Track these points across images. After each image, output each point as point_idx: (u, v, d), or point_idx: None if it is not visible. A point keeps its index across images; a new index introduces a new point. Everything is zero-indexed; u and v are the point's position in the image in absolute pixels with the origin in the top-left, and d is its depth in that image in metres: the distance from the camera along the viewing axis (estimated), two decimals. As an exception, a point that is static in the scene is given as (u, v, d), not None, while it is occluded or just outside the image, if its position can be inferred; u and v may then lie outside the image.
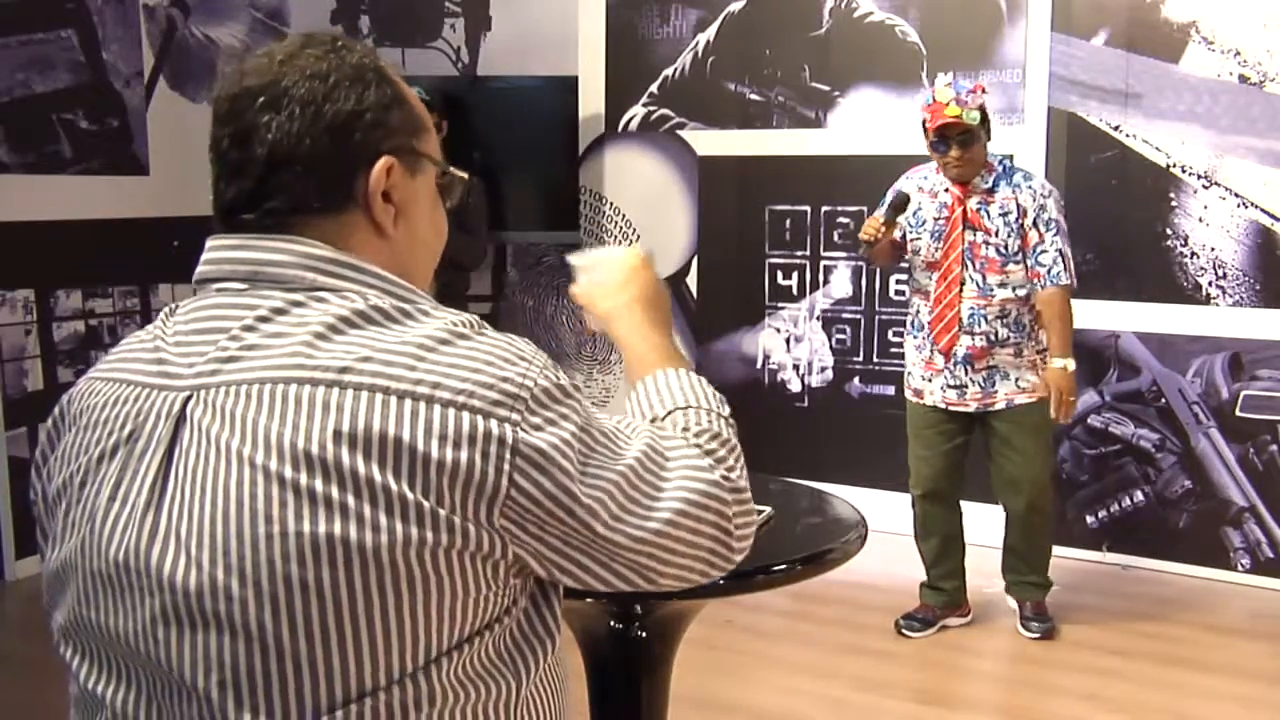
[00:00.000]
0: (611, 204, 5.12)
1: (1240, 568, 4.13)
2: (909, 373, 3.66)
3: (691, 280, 5.03)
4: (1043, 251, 3.39)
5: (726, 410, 1.21)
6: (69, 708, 1.07)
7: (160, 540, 0.95)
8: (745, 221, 4.89)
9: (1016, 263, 3.43)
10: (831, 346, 4.79)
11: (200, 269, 1.06)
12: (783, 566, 1.55)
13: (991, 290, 3.44)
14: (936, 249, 3.48)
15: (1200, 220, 4.09)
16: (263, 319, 0.98)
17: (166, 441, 0.97)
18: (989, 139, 3.43)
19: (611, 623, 1.66)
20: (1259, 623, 3.82)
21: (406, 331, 0.97)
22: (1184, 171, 4.10)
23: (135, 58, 4.60)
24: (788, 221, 4.82)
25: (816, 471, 4.16)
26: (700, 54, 4.89)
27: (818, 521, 1.82)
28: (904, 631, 3.67)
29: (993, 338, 3.45)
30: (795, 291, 4.84)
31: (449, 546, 0.93)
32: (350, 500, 0.91)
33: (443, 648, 0.95)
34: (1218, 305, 4.09)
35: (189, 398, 0.97)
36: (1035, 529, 3.64)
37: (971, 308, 3.46)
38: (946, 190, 3.47)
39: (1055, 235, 3.39)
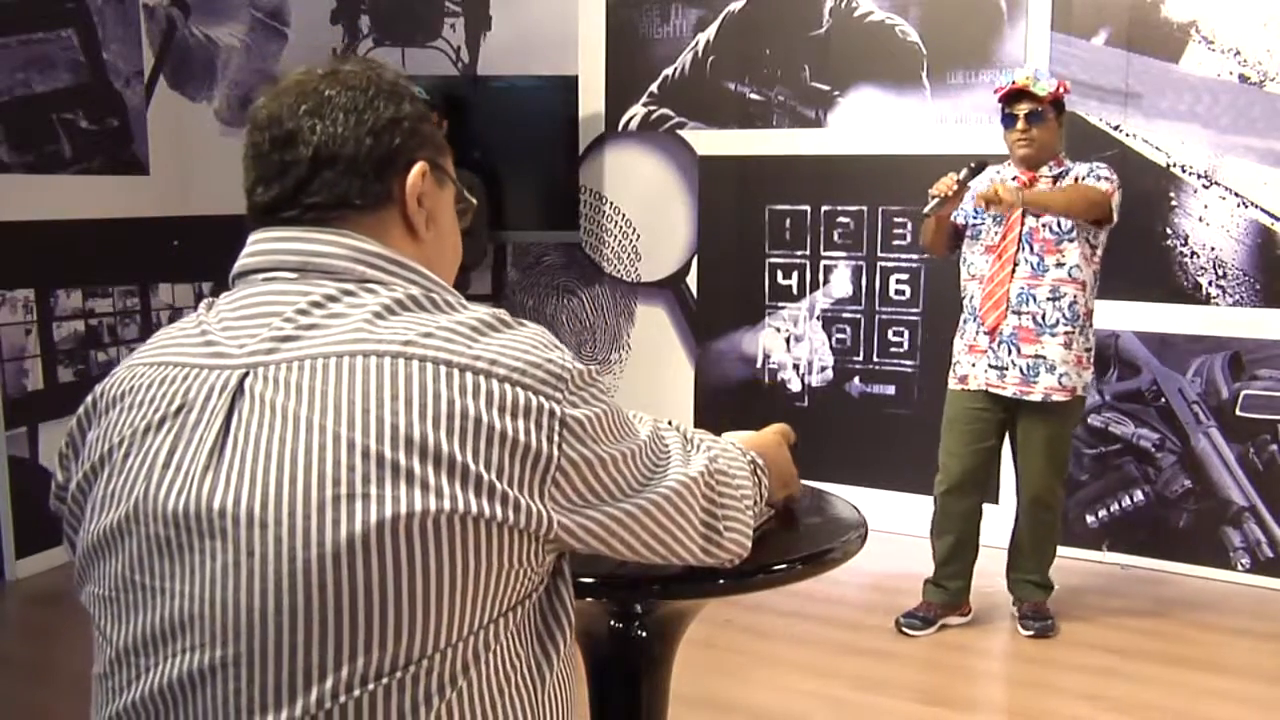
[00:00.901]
0: (611, 204, 5.12)
1: (1240, 567, 4.13)
2: (955, 361, 3.66)
3: (691, 280, 5.03)
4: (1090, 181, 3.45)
5: (753, 458, 1.38)
6: (94, 681, 1.06)
7: (220, 496, 0.97)
8: (745, 221, 4.89)
9: (1070, 240, 3.45)
10: (831, 346, 4.79)
11: (244, 261, 1.09)
12: (783, 566, 1.55)
13: (1046, 269, 3.46)
14: (996, 233, 3.52)
15: (1200, 220, 4.09)
16: (317, 304, 1.03)
17: (223, 413, 0.99)
18: (1060, 128, 3.52)
19: (611, 623, 1.65)
20: (1259, 622, 3.82)
21: (456, 315, 1.03)
22: (1184, 171, 4.10)
23: (135, 57, 4.59)
24: (788, 221, 4.82)
25: (816, 471, 4.12)
26: (700, 53, 4.89)
27: (818, 521, 1.82)
28: (904, 629, 3.67)
29: (1040, 319, 3.46)
30: (795, 291, 4.84)
31: (502, 521, 0.98)
32: (416, 466, 0.95)
33: (482, 620, 1.00)
34: (1218, 305, 4.09)
35: (246, 374, 1.00)
36: (1039, 525, 3.65)
37: (1022, 287, 3.48)
38: (1015, 179, 3.52)
39: (1105, 185, 3.43)
